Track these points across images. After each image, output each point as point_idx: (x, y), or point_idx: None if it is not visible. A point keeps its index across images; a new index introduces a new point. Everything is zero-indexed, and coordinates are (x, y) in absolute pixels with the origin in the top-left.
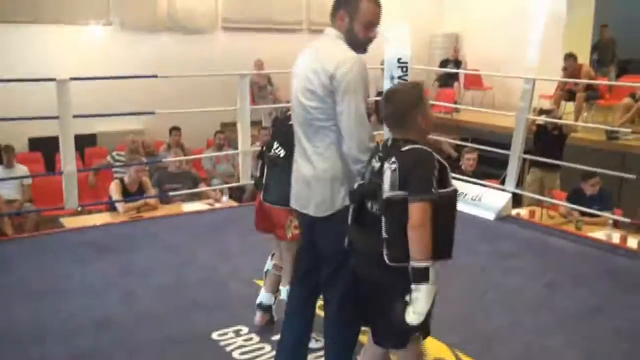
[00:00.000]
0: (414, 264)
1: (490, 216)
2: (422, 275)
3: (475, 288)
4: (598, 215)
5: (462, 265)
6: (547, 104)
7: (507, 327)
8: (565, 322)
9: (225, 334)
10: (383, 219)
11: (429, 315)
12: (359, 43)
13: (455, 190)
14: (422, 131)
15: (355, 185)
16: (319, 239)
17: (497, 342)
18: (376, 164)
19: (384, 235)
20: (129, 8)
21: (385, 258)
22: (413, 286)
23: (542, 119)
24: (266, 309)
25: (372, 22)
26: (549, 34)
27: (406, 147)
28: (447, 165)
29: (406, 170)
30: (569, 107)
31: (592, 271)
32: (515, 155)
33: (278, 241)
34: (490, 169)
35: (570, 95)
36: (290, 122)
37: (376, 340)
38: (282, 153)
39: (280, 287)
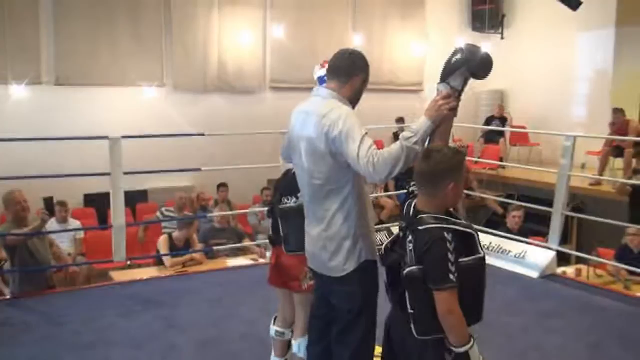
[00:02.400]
0: (453, 349)
1: (534, 274)
2: (464, 359)
3: (516, 348)
4: None
5: (502, 324)
6: (594, 160)
7: None
8: None
9: None
10: (406, 293)
11: None
12: (358, 98)
13: (481, 258)
14: (448, 200)
15: (383, 249)
16: (333, 296)
17: None
18: (400, 232)
19: (409, 309)
20: (181, 70)
21: (413, 331)
22: None
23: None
24: None
25: None
26: (596, 89)
27: (422, 227)
28: (473, 232)
29: (420, 255)
30: (617, 163)
31: (639, 332)
32: (558, 212)
33: (286, 298)
34: (537, 225)
35: (618, 151)
36: (291, 172)
37: None
38: (292, 202)
39: (292, 341)
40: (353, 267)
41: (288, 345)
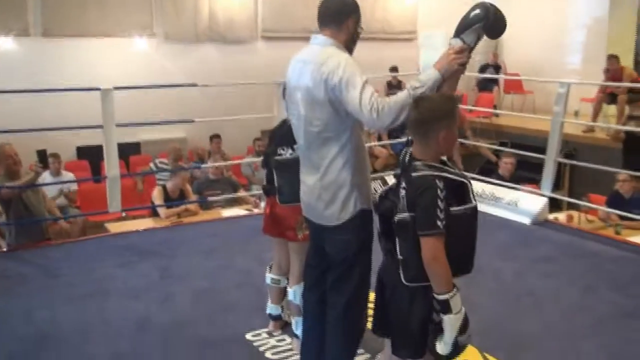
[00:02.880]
0: (435, 296)
1: (527, 221)
2: (444, 307)
3: (509, 292)
4: (638, 219)
5: (496, 269)
6: (588, 107)
7: (539, 331)
8: (600, 326)
9: (259, 335)
10: (397, 239)
11: (457, 344)
12: (355, 42)
13: (474, 208)
14: (441, 148)
15: (377, 198)
16: (328, 245)
17: (528, 346)
18: (396, 181)
19: (399, 256)
20: (172, 20)
21: (402, 278)
22: (441, 316)
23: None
24: (276, 317)
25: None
26: (591, 37)
27: (416, 174)
28: (466, 181)
29: (411, 201)
30: (611, 109)
31: (629, 276)
32: (551, 159)
33: (281, 246)
34: (529, 173)
35: (612, 97)
36: (288, 124)
37: (393, 350)
38: (288, 154)
39: (288, 289)
40: (349, 217)
41: (284, 292)
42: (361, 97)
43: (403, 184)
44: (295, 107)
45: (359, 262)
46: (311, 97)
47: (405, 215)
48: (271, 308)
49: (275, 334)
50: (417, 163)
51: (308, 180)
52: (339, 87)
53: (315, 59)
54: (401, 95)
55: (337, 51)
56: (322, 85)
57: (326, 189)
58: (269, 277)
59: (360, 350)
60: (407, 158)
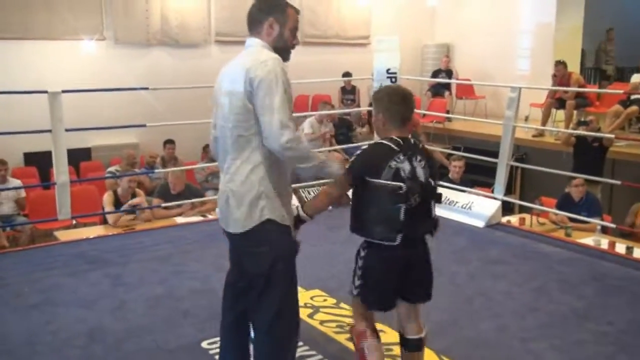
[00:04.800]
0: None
1: (480, 224)
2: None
3: (463, 294)
4: (588, 222)
5: (451, 272)
6: (537, 112)
7: (493, 332)
8: (551, 326)
9: (215, 342)
10: (434, 204)
11: None
12: (287, 49)
13: None
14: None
15: (404, 189)
16: (244, 259)
17: (482, 347)
18: (404, 165)
19: (435, 216)
20: (122, 23)
21: (433, 234)
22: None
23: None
24: None
25: (296, 28)
26: (539, 43)
27: (422, 145)
28: None
29: (432, 165)
30: (559, 115)
31: (579, 277)
32: (504, 163)
33: None
34: (482, 177)
35: (560, 103)
36: None
37: (427, 297)
38: None
39: None
40: (254, 224)
41: None
42: (281, 110)
43: (419, 159)
44: (221, 109)
45: (277, 281)
46: (233, 89)
47: (435, 182)
48: None
49: None
50: (414, 140)
51: (220, 184)
52: (257, 84)
53: (247, 57)
54: (315, 153)
55: (269, 52)
56: (243, 76)
57: (233, 193)
58: None
59: (300, 342)
60: (401, 143)
